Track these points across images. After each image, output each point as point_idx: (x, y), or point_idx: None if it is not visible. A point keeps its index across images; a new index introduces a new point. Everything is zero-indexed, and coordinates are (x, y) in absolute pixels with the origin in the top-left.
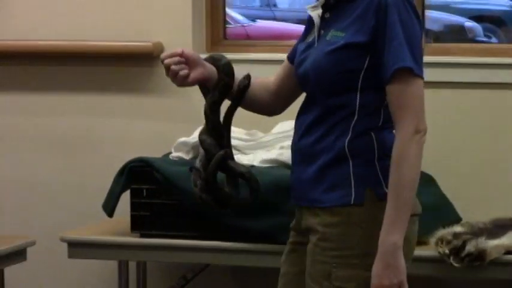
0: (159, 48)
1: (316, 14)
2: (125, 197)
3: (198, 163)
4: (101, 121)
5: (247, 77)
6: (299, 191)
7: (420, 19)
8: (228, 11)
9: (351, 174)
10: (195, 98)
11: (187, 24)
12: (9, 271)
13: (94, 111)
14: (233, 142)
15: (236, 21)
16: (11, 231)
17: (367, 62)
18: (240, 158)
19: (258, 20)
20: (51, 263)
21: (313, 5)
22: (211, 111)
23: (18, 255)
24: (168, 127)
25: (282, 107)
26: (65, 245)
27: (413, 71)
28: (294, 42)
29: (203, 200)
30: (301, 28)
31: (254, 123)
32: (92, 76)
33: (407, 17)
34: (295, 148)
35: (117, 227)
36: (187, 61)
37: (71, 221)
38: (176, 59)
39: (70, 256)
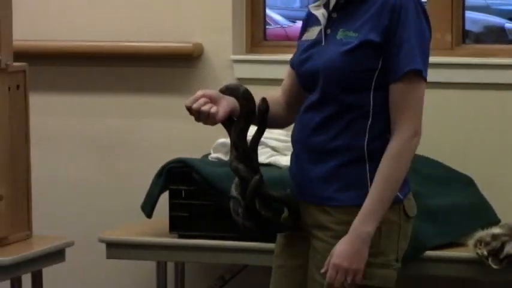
0: (199, 49)
1: (320, 13)
2: (164, 198)
3: (234, 191)
4: (140, 122)
5: (265, 100)
6: (306, 187)
7: (430, 22)
8: (268, 12)
9: (368, 175)
10: None
11: (227, 25)
12: (48, 271)
13: (133, 111)
14: (272, 143)
15: (276, 22)
16: (50, 232)
17: (380, 62)
18: (279, 159)
19: (298, 21)
20: (89, 263)
21: (315, 4)
22: (240, 138)
23: (56, 255)
24: (207, 128)
25: (294, 115)
26: (104, 245)
27: (422, 74)
28: None
29: (246, 227)
30: None
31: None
32: (131, 77)
33: (419, 20)
34: (301, 144)
35: (156, 227)
36: (210, 99)
37: (110, 222)
38: (202, 100)
39: (108, 257)
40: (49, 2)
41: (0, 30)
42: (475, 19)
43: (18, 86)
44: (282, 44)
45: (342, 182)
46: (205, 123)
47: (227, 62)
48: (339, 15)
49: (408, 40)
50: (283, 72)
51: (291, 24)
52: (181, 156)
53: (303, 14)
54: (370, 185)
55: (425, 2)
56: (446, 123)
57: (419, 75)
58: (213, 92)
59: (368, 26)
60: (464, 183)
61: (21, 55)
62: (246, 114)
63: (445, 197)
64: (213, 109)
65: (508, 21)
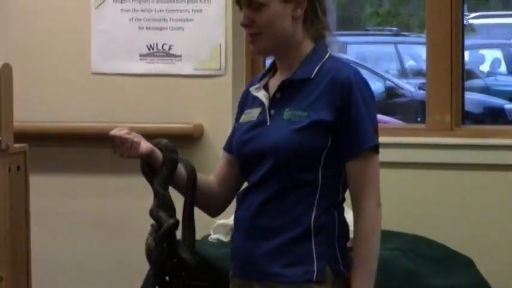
0: (200, 130)
1: (262, 95)
2: None
3: (149, 238)
4: (140, 202)
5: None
6: (252, 264)
7: (374, 96)
8: None
9: (313, 251)
10: None
11: (227, 106)
12: None
13: (134, 193)
14: None
15: None
16: None
17: (330, 139)
18: None
19: None
20: None
21: (255, 86)
22: (162, 187)
23: None
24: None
25: (227, 201)
26: None
27: (377, 149)
28: None
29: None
30: None
31: None
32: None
33: (368, 96)
34: (247, 223)
35: None
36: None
37: None
38: (125, 130)
39: None
40: (47, 83)
41: (1, 112)
42: (474, 100)
43: (18, 167)
44: None
45: (288, 258)
46: (128, 155)
47: None
48: (283, 95)
49: (362, 118)
50: None
51: None
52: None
53: None
54: (317, 260)
55: (425, 82)
56: (446, 203)
57: (374, 150)
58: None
59: (318, 105)
60: (465, 264)
61: (21, 136)
62: (168, 164)
63: (445, 278)
64: (136, 139)
65: (508, 102)
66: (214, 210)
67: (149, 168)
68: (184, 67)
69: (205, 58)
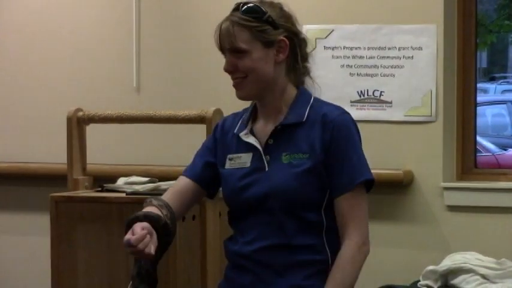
0: (409, 176)
1: (253, 140)
2: None
3: None
4: None
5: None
6: None
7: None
8: (479, 139)
9: None
10: (445, 227)
11: (437, 153)
12: None
13: None
14: (481, 271)
15: (487, 149)
16: None
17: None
18: (488, 287)
19: (510, 149)
20: None
21: (244, 132)
22: (153, 267)
23: None
24: (417, 255)
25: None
26: None
27: (373, 183)
28: None
29: None
30: None
31: (504, 252)
32: None
33: (355, 135)
34: (259, 260)
35: None
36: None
37: None
38: (147, 239)
39: None
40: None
41: None
42: None
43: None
44: (493, 172)
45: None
46: (145, 255)
47: (437, 189)
48: (276, 140)
49: (350, 155)
50: (496, 201)
51: (502, 151)
52: (391, 283)
53: None
54: None
55: None
56: None
57: (364, 186)
58: (145, 231)
59: (318, 146)
60: None
61: None
62: (162, 246)
63: None
64: (152, 250)
65: None
66: None
67: None
68: (395, 113)
69: (416, 104)
